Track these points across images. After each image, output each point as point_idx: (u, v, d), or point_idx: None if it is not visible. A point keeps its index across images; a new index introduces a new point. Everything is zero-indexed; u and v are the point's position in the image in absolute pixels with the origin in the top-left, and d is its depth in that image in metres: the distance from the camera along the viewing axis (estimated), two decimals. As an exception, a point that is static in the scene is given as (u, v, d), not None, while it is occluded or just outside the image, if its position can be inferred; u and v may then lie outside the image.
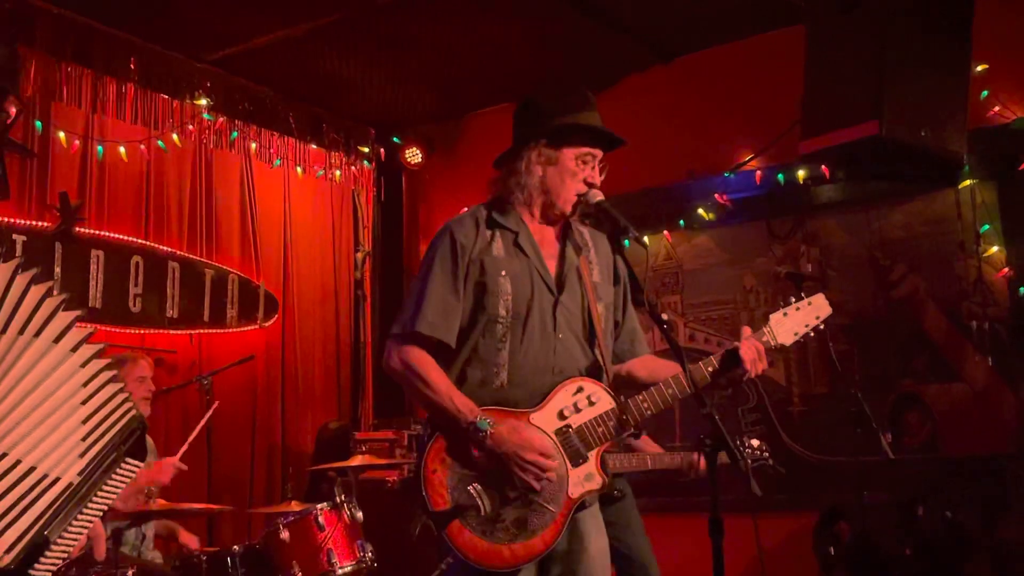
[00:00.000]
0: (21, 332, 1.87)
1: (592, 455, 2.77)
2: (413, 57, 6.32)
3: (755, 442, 4.44)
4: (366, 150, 7.40)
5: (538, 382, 2.78)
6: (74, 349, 1.94)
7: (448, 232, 2.87)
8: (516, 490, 2.70)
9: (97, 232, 5.85)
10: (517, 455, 2.67)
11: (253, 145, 6.71)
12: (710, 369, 2.83)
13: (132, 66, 5.91)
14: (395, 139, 7.36)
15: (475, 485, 2.71)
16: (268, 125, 6.76)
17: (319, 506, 4.43)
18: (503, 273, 2.82)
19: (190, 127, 6.30)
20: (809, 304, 2.98)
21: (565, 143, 2.87)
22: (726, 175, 6.14)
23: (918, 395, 5.55)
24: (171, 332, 6.20)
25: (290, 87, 6.72)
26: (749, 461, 4.34)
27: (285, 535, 4.31)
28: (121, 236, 5.98)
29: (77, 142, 5.85)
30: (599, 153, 2.91)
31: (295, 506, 4.66)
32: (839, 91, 4.45)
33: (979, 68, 5.02)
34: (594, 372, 2.85)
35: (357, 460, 5.20)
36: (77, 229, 5.69)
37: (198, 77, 6.27)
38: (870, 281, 5.75)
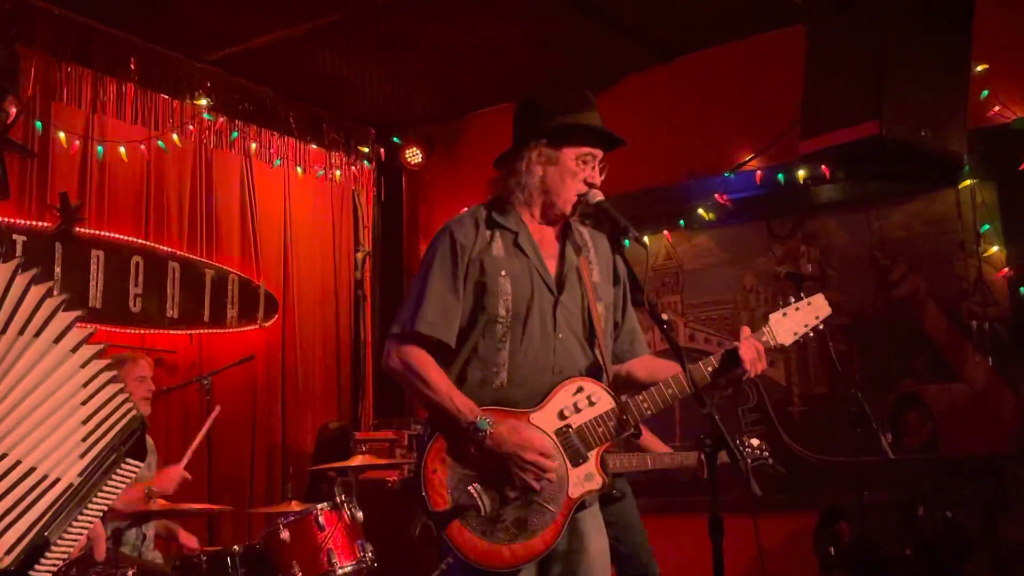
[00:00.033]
0: (21, 332, 1.87)
1: (592, 455, 2.77)
2: (413, 57, 6.32)
3: (755, 442, 4.44)
4: (366, 150, 7.40)
5: (538, 382, 2.78)
6: (74, 349, 1.94)
7: (448, 232, 2.86)
8: (516, 490, 2.69)
9: (97, 232, 5.85)
10: (517, 455, 2.67)
11: (253, 145, 6.71)
12: (710, 369, 2.82)
13: (132, 66, 5.91)
14: (395, 139, 7.36)
15: (475, 485, 2.70)
16: (268, 125, 6.76)
17: (319, 506, 4.43)
18: (503, 273, 2.81)
19: (190, 127, 6.30)
20: (809, 304, 2.97)
21: (565, 143, 2.86)
22: (726, 175, 6.14)
23: (918, 395, 5.55)
24: (171, 332, 6.20)
25: (290, 87, 6.72)
26: (749, 461, 4.34)
27: (285, 535, 4.31)
28: (121, 236, 5.98)
29: (77, 142, 5.85)
30: (599, 153, 2.90)
31: (295, 506, 4.66)
32: (839, 91, 4.45)
33: (979, 68, 5.02)
34: (594, 372, 2.85)
35: (357, 460, 5.20)
36: (77, 229, 5.69)
37: (198, 77, 6.27)
38: (870, 281, 5.75)
